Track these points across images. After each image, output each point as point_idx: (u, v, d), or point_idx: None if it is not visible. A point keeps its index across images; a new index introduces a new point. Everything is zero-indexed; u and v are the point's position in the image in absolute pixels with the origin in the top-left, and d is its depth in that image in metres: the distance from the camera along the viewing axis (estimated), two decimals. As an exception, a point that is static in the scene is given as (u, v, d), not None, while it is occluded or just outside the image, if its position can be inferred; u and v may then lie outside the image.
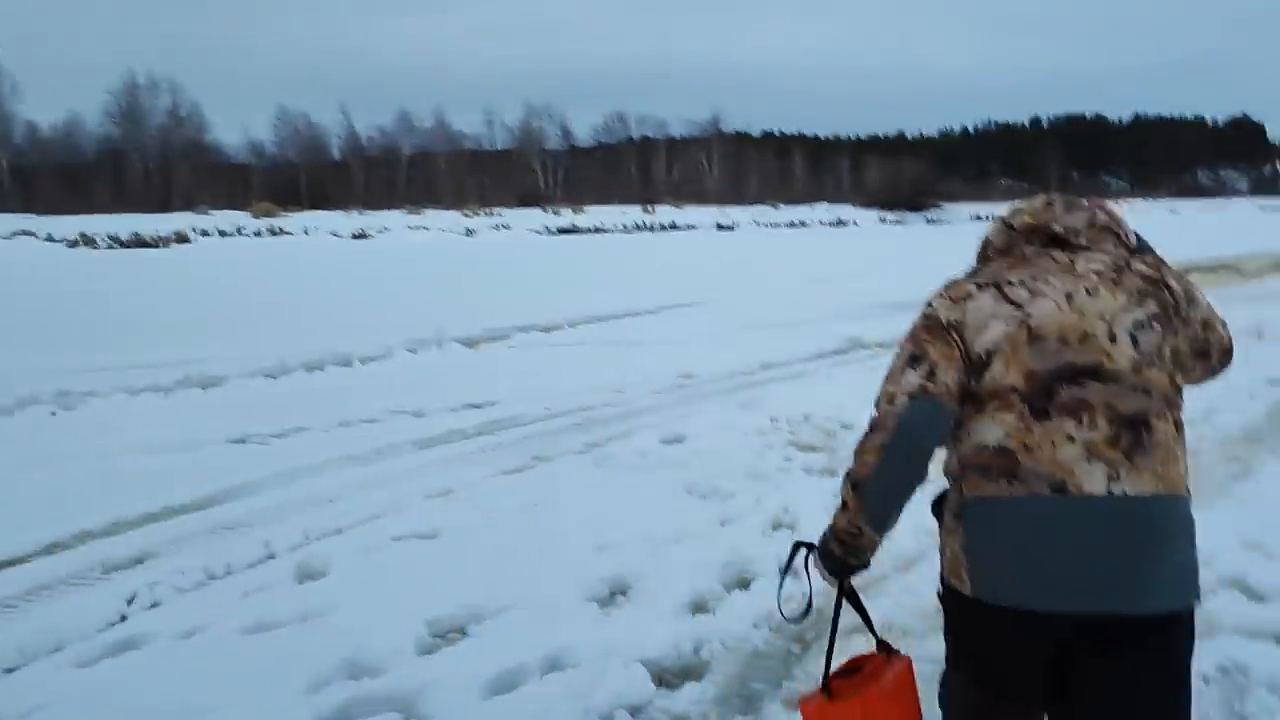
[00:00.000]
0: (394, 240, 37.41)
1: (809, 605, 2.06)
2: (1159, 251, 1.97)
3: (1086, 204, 1.95)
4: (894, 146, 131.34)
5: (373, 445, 6.66)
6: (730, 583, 4.09)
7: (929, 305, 1.87)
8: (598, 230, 46.44)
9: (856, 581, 1.95)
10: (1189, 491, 1.73)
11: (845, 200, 74.02)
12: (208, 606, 3.95)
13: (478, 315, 13.72)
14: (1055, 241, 1.87)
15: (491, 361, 10.77)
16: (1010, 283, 1.79)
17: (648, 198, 66.32)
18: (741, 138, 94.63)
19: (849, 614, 1.98)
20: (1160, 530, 1.67)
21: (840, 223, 57.26)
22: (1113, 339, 1.71)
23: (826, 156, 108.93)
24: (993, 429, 1.73)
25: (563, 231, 44.63)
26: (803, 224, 55.39)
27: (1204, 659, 3.20)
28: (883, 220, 61.56)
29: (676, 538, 4.57)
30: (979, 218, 69.26)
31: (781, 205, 66.91)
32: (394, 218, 46.40)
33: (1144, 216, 68.69)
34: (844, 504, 1.82)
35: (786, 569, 2.12)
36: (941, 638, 1.96)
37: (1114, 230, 1.91)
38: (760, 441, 6.50)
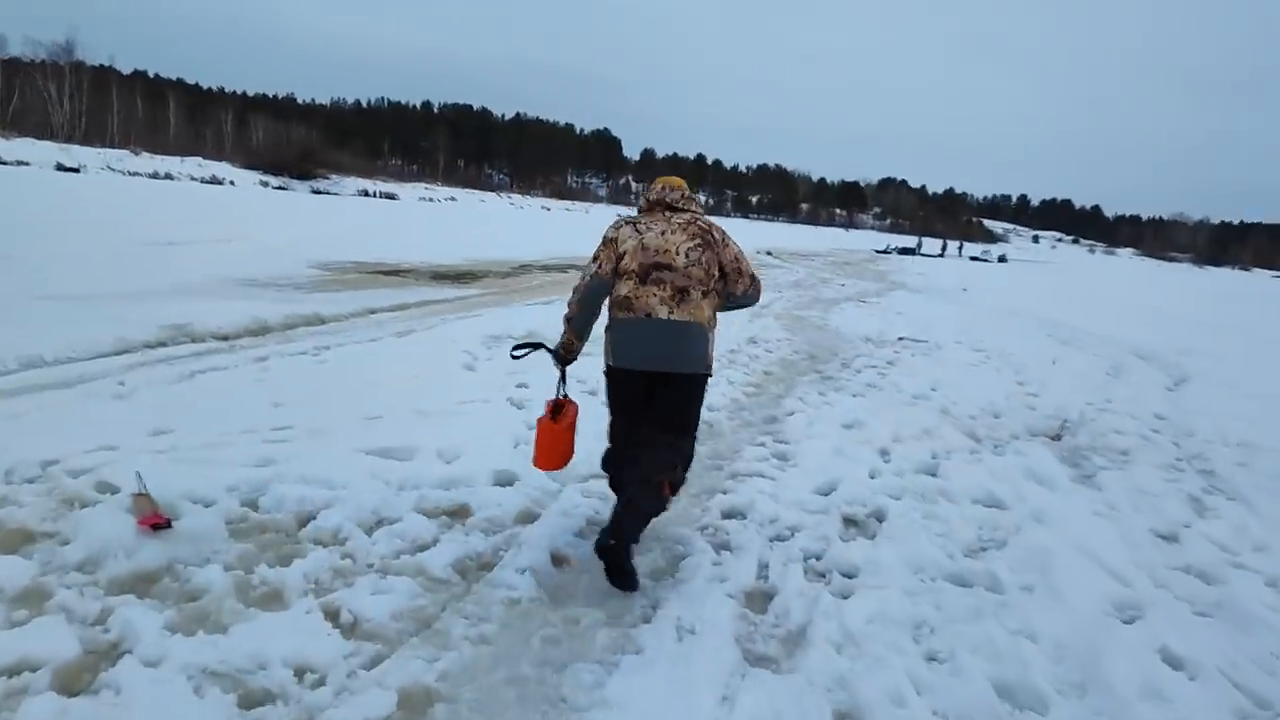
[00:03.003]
0: None
1: (530, 350, 4.18)
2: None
3: (678, 187, 4.03)
4: (283, 109, 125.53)
5: None
6: None
7: (607, 230, 3.97)
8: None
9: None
10: (709, 323, 3.83)
11: (226, 158, 67.74)
12: None
13: None
14: (668, 205, 3.98)
15: None
16: (639, 222, 3.92)
17: (-30, 122, 53.91)
18: (104, 71, 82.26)
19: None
20: (686, 337, 3.74)
21: (215, 180, 51.67)
22: (677, 253, 3.77)
23: (208, 108, 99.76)
24: (623, 288, 3.81)
25: None
26: (169, 176, 48.91)
27: None
28: (264, 184, 57.08)
29: None
30: (366, 193, 68.28)
31: (145, 153, 58.70)
32: None
33: (520, 213, 73.12)
34: (564, 329, 4.04)
35: (521, 351, 4.16)
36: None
37: (696, 203, 4.05)
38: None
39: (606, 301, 3.94)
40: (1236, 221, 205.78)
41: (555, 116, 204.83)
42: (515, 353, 4.12)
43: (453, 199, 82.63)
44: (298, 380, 6.78)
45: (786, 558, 4.16)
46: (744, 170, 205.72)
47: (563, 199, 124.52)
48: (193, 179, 50.71)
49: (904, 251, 59.63)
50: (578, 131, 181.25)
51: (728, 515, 4.74)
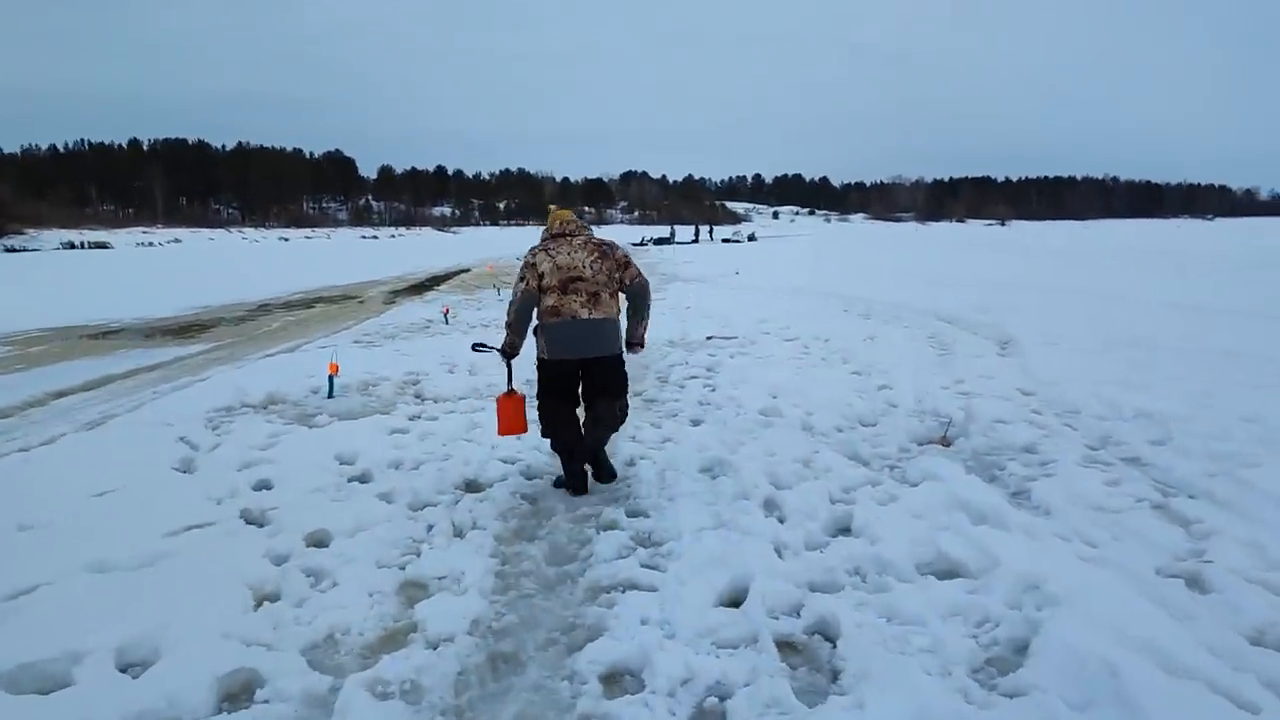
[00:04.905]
0: None
1: (486, 350, 5.40)
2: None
3: (569, 220, 5.31)
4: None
5: None
6: None
7: (525, 257, 5.13)
8: None
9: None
10: (617, 314, 5.17)
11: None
12: None
13: None
14: (565, 234, 5.17)
15: None
16: (550, 249, 5.08)
17: None
18: None
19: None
20: (603, 329, 5.05)
21: (-123, 252, 44.26)
22: (586, 268, 5.02)
23: None
24: (549, 299, 5.00)
25: None
26: None
27: None
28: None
29: None
30: (74, 245, 61.25)
31: None
32: None
33: (255, 246, 67.91)
34: (506, 334, 5.17)
35: (480, 350, 5.41)
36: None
37: (585, 227, 5.33)
38: None
39: (536, 310, 5.08)
40: (947, 179, 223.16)
41: (281, 143, 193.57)
42: (476, 347, 5.42)
43: (177, 240, 75.84)
44: (-93, 539, 4.45)
45: (741, 770, 2.50)
46: (487, 177, 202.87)
47: (301, 227, 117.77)
48: None
49: (660, 242, 59.44)
50: (308, 155, 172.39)
51: (612, 685, 3.02)
